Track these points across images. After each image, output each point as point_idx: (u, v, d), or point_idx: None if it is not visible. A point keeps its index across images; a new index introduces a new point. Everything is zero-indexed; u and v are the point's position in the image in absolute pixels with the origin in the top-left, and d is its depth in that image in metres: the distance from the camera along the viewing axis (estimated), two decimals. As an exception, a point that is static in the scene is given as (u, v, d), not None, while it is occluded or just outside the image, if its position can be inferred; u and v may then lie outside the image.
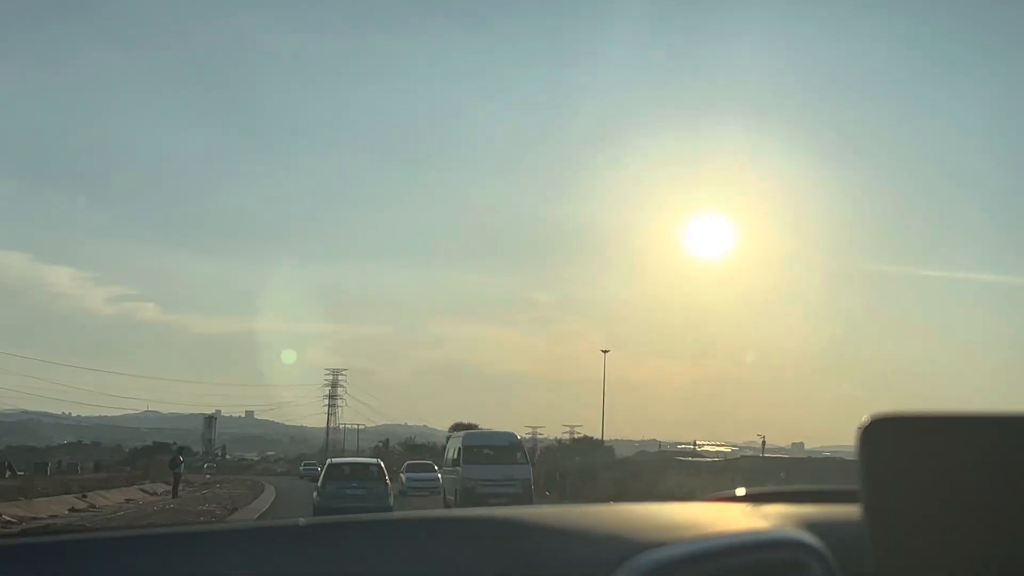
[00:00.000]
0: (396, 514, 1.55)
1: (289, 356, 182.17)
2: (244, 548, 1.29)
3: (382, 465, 27.24)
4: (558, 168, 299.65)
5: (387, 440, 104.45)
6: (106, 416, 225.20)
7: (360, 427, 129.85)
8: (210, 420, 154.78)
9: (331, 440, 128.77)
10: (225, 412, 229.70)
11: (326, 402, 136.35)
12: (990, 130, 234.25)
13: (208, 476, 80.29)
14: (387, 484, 25.91)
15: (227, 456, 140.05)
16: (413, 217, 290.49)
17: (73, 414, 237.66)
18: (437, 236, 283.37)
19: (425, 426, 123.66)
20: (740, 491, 1.92)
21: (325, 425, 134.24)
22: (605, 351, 64.19)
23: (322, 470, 27.54)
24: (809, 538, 1.45)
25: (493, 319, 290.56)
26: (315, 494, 25.76)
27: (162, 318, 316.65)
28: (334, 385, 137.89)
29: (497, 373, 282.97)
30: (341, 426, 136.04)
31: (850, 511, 1.32)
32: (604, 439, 70.27)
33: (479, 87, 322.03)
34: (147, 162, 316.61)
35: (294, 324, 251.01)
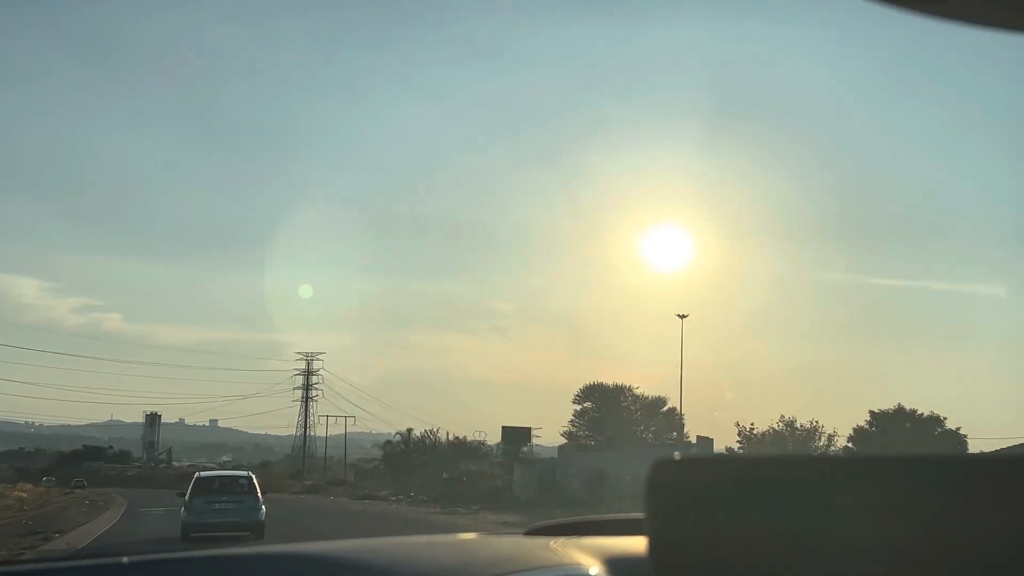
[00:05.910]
0: (207, 551, 1.52)
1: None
2: None
3: (253, 478, 26.02)
4: (517, 177, 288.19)
5: (409, 430, 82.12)
6: (68, 425, 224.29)
7: (352, 419, 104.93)
8: (152, 419, 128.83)
9: (304, 444, 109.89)
10: (189, 421, 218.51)
11: (297, 396, 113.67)
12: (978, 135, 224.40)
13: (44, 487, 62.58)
14: (258, 498, 24.57)
15: (172, 462, 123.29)
16: (372, 227, 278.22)
17: (36, 423, 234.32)
18: (395, 246, 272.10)
19: (392, 433, 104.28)
20: (541, 524, 1.95)
21: (292, 434, 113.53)
22: (683, 316, 53.95)
23: (189, 485, 25.20)
24: (599, 573, 1.42)
25: (452, 327, 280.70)
26: (182, 510, 24.19)
27: (128, 328, 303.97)
28: (308, 374, 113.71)
29: (461, 380, 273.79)
30: (318, 421, 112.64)
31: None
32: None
33: (438, 96, 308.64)
34: (112, 173, 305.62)
35: (258, 334, 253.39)
